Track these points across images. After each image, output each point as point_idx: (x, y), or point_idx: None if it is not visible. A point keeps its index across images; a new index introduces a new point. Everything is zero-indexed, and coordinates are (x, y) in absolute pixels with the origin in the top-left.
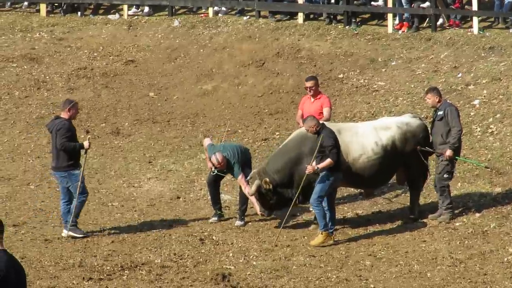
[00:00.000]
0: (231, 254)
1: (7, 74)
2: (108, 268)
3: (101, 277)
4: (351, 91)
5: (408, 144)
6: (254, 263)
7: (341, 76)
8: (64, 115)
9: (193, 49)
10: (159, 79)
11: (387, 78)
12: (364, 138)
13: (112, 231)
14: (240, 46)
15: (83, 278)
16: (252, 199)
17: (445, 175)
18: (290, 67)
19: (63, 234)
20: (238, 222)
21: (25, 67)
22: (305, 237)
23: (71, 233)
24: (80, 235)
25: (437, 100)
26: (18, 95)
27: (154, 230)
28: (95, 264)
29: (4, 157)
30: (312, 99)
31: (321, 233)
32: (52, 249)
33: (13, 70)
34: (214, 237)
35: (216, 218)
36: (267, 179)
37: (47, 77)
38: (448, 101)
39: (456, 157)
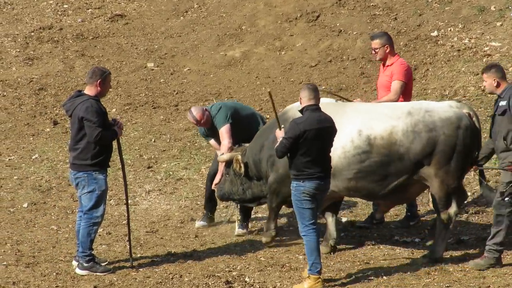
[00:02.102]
0: None
1: None
2: None
3: None
4: (451, 56)
5: (419, 142)
6: None
7: (434, 34)
8: (91, 90)
9: None
10: (161, 42)
11: (504, 36)
12: (344, 123)
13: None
14: None
15: None
16: (220, 167)
17: (507, 199)
18: (358, 22)
19: (76, 271)
20: (238, 230)
21: None
22: (384, 276)
23: (81, 272)
24: (102, 272)
25: (495, 84)
26: None
27: (157, 270)
28: None
29: None
30: (383, 67)
31: (309, 277)
32: None
33: None
34: (247, 279)
35: (204, 223)
36: (240, 159)
37: None
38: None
39: None
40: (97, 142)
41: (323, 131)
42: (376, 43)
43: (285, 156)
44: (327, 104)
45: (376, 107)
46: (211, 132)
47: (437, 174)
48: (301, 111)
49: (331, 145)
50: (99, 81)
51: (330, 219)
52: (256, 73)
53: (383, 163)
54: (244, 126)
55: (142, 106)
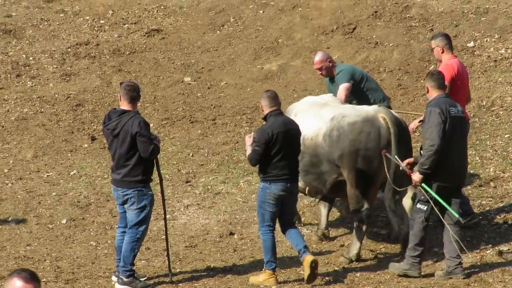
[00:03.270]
0: None
1: None
2: None
3: None
4: (487, 66)
5: (333, 146)
6: None
7: (471, 44)
8: (132, 106)
9: (248, 10)
10: (198, 56)
11: None
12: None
13: None
14: (318, 4)
15: None
16: None
17: (418, 205)
18: (395, 33)
19: (116, 286)
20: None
21: None
22: None
23: (121, 287)
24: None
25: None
26: None
27: (197, 284)
28: None
29: None
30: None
31: (264, 271)
32: None
33: None
34: None
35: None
36: None
37: (31, 58)
38: (443, 95)
39: (424, 186)
40: (150, 157)
41: (289, 133)
42: (435, 42)
43: (259, 163)
44: (293, 106)
45: (326, 109)
46: (332, 88)
47: (348, 177)
48: (264, 118)
49: (298, 148)
50: (135, 95)
51: (324, 210)
52: (294, 86)
53: (314, 163)
54: (363, 96)
55: (180, 120)
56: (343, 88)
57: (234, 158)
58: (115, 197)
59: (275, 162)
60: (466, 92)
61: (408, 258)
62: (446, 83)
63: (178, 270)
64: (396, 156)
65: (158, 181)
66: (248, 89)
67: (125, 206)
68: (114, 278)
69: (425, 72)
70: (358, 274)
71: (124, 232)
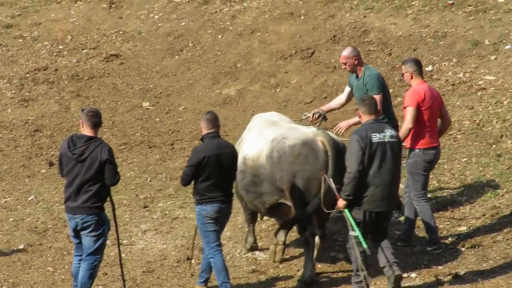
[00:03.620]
0: None
1: None
2: None
3: None
4: (446, 90)
5: (275, 167)
6: None
7: (429, 68)
8: (94, 132)
9: (207, 35)
10: (156, 81)
11: (498, 70)
12: (242, 143)
13: None
14: (277, 29)
15: None
16: None
17: (350, 233)
18: None
19: None
20: None
21: None
22: None
23: None
24: None
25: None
26: None
27: None
28: None
29: None
30: None
31: None
32: None
33: None
34: None
35: None
36: None
37: None
38: (370, 121)
39: (346, 212)
40: (114, 185)
41: (222, 156)
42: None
43: (189, 183)
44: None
45: (270, 129)
46: (352, 86)
47: (290, 199)
48: (201, 139)
49: (233, 170)
50: (97, 121)
51: (250, 227)
52: (252, 110)
53: (255, 182)
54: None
55: (138, 145)
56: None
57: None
58: (71, 226)
59: (208, 184)
60: (437, 117)
61: (354, 285)
62: (411, 108)
63: None
64: (331, 179)
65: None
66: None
67: (83, 232)
68: None
69: None
70: None
71: (81, 259)
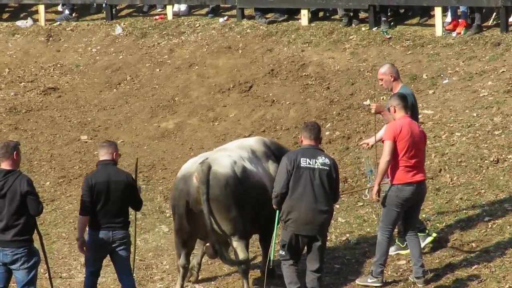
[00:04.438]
0: None
1: None
2: None
3: None
4: (384, 124)
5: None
6: None
7: (367, 102)
8: (10, 164)
9: (145, 68)
10: (94, 114)
11: (436, 104)
12: None
13: None
14: (215, 62)
15: None
16: None
17: (280, 251)
18: (291, 92)
19: None
20: None
21: None
22: None
23: None
24: None
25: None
26: None
27: None
28: None
29: None
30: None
31: None
32: None
33: None
34: None
35: None
36: None
37: None
38: (306, 146)
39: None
40: (38, 214)
41: (112, 184)
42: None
43: (87, 212)
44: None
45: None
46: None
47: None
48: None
49: (125, 198)
50: (15, 153)
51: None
52: (190, 144)
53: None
54: None
55: (76, 178)
56: None
57: (131, 215)
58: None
59: (98, 210)
60: (419, 153)
61: None
62: (388, 141)
63: None
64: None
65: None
66: (145, 147)
67: (14, 266)
68: None
69: (321, 131)
70: None
71: None
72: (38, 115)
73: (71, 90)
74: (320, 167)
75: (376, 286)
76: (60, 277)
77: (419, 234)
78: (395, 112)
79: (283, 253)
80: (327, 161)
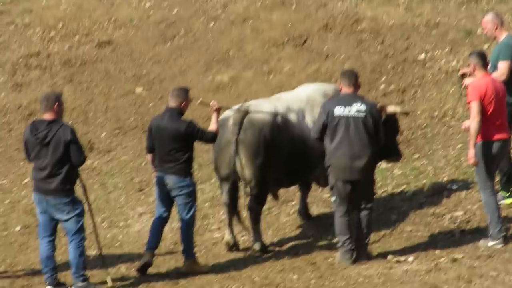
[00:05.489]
0: None
1: None
2: None
3: None
4: (439, 78)
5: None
6: None
7: (422, 57)
8: (53, 115)
9: (199, 23)
10: (149, 67)
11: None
12: None
13: None
14: (269, 17)
15: None
16: None
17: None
18: (346, 45)
19: None
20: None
21: None
22: None
23: None
24: None
25: None
26: None
27: None
28: None
29: None
30: None
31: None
32: None
33: None
34: None
35: None
36: None
37: None
38: (344, 93)
39: None
40: (81, 164)
41: (163, 129)
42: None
43: (148, 150)
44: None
45: None
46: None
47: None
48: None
49: (177, 147)
50: (56, 104)
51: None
52: (245, 96)
53: None
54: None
55: (132, 130)
56: (502, 66)
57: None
58: (43, 206)
59: (156, 152)
60: (502, 109)
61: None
62: (475, 102)
63: (132, 276)
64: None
65: (82, 191)
66: (200, 100)
67: (59, 216)
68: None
69: (376, 84)
70: (312, 281)
71: (51, 241)
72: (93, 68)
73: (126, 44)
74: (355, 114)
75: (499, 247)
76: (117, 226)
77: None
78: (474, 70)
79: (334, 198)
80: (362, 107)
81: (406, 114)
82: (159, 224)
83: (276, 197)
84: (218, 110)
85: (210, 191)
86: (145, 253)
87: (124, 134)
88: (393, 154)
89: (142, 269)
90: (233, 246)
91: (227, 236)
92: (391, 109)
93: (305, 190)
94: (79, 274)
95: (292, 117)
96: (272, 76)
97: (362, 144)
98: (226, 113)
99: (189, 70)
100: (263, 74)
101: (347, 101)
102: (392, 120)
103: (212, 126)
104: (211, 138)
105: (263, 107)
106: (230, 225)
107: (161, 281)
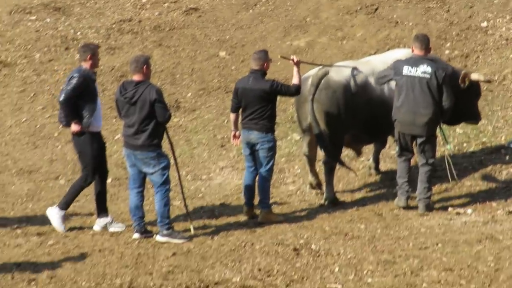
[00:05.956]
0: (337, 269)
1: (24, 31)
2: None
3: None
4: (500, 44)
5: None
6: (369, 280)
7: (484, 24)
8: (141, 76)
9: None
10: (232, 33)
11: None
12: None
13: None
14: None
15: None
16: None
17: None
18: (414, 13)
19: (157, 238)
20: None
21: (48, 20)
22: (439, 244)
23: (162, 239)
24: (180, 239)
25: None
26: (39, 58)
27: (231, 238)
28: (151, 285)
29: (22, 143)
30: None
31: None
32: (92, 265)
33: (31, 25)
34: (313, 246)
35: None
36: None
37: (78, 33)
38: (414, 55)
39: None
40: (166, 122)
41: (249, 90)
42: None
43: (232, 110)
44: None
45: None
46: None
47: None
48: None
49: (262, 105)
50: (144, 66)
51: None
52: (320, 60)
53: None
54: None
55: (215, 91)
56: None
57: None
58: (132, 160)
59: (241, 111)
60: None
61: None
62: None
63: (213, 226)
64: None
65: (169, 146)
66: (278, 63)
67: (146, 169)
68: (136, 235)
69: (441, 50)
70: (378, 231)
71: (139, 192)
72: (180, 33)
73: (211, 11)
74: (420, 75)
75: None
76: (200, 179)
77: None
78: None
79: (397, 149)
80: (428, 69)
81: (488, 82)
82: (249, 179)
83: (359, 153)
84: (298, 64)
85: (286, 148)
86: (246, 210)
87: (208, 95)
88: (473, 117)
89: (252, 219)
90: (316, 186)
91: (310, 178)
92: (474, 76)
93: (380, 147)
94: (164, 222)
95: (373, 81)
96: (345, 42)
97: (425, 103)
98: (310, 72)
99: (269, 36)
100: (337, 40)
101: (415, 62)
102: (474, 86)
103: (295, 80)
104: (295, 90)
105: (344, 70)
106: (312, 169)
107: (239, 230)
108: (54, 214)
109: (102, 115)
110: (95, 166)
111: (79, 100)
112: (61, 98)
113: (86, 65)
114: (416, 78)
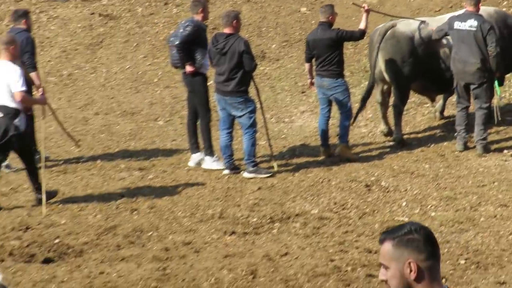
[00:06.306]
0: (404, 203)
1: None
2: (255, 220)
3: (246, 230)
4: None
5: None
6: (433, 214)
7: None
8: (231, 29)
9: None
10: None
11: None
12: None
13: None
14: None
15: (225, 232)
16: None
17: None
18: None
19: (244, 175)
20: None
21: None
22: (495, 183)
23: (248, 175)
24: (265, 175)
25: None
26: (141, 12)
27: (310, 175)
28: (239, 215)
29: (126, 87)
30: None
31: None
32: (187, 197)
33: None
34: (383, 183)
35: None
36: None
37: None
38: (464, 11)
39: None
40: (252, 71)
41: (318, 40)
42: None
43: (306, 60)
44: None
45: None
46: None
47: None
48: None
49: (328, 50)
50: (234, 21)
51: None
52: (390, 17)
53: None
54: None
55: (297, 42)
56: None
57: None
58: (222, 104)
59: (314, 60)
60: None
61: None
62: None
63: (293, 164)
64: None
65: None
66: (353, 18)
67: (234, 112)
68: (226, 171)
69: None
70: (441, 170)
71: (229, 133)
72: None
73: None
74: (468, 28)
75: None
76: (283, 122)
77: None
78: None
79: (456, 96)
80: (475, 23)
81: None
82: (323, 121)
83: (433, 100)
84: (368, 12)
85: (359, 95)
86: (323, 150)
87: (290, 46)
88: None
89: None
90: (388, 133)
91: (382, 126)
92: None
93: (448, 94)
94: (250, 160)
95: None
96: (413, 0)
97: (472, 53)
98: (380, 25)
99: None
100: None
101: (464, 18)
102: None
103: (362, 25)
104: (360, 35)
105: (411, 23)
106: (384, 117)
107: (317, 168)
108: (209, 164)
109: None
110: (207, 102)
111: (193, 45)
112: (177, 42)
113: (198, 17)
114: (465, 31)
